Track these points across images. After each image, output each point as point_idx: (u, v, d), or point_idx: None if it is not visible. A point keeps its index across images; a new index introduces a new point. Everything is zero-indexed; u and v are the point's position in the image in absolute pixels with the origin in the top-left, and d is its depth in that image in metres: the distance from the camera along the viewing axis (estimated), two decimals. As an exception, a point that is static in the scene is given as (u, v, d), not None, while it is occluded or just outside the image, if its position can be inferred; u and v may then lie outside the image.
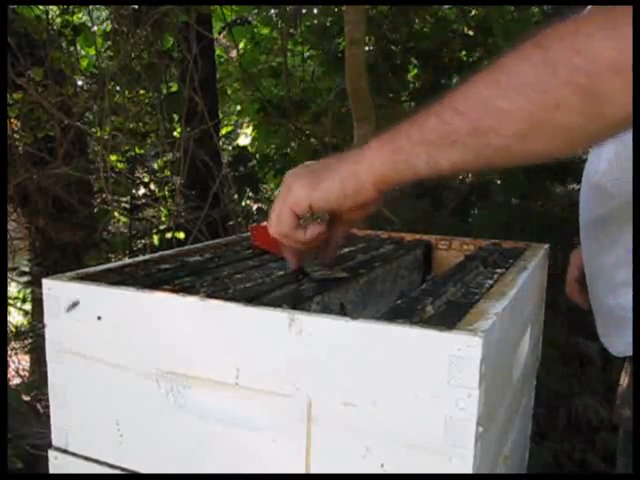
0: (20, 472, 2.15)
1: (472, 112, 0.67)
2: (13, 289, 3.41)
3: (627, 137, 0.92)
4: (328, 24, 3.79)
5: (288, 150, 4.31)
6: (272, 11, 4.18)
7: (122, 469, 0.92)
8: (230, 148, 4.61)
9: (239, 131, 5.93)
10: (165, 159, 3.62)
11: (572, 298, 1.49)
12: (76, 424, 0.95)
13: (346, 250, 1.33)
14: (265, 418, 0.80)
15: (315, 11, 4.00)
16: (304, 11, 3.89)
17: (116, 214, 3.31)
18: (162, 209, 3.63)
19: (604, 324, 1.25)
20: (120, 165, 3.64)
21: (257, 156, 4.40)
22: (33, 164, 2.78)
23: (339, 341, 0.75)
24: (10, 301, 3.26)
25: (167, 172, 3.60)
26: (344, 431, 0.76)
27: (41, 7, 3.06)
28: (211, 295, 0.88)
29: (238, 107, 4.88)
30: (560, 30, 0.62)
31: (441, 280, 1.06)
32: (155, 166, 3.86)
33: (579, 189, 1.35)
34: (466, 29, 3.75)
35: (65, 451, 0.96)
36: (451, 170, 0.74)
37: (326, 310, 0.96)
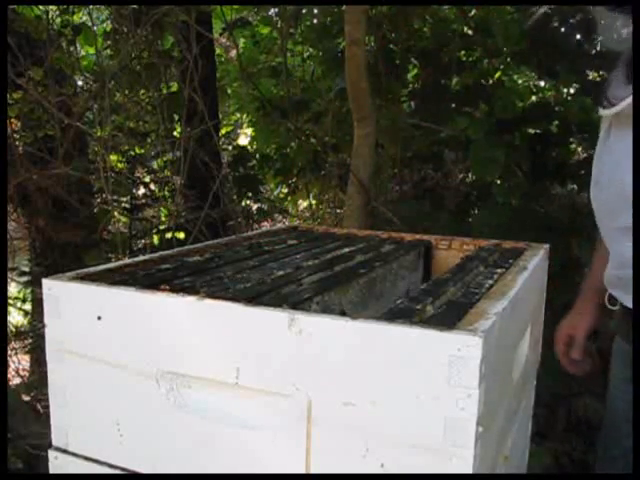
0: (20, 472, 2.15)
1: None
2: (13, 289, 3.41)
3: None
4: (328, 23, 3.79)
5: (288, 150, 4.31)
6: (272, 11, 4.18)
7: (122, 469, 0.92)
8: (230, 148, 4.61)
9: (239, 131, 5.93)
10: (165, 159, 3.61)
11: (563, 365, 1.52)
12: (76, 424, 0.95)
13: (346, 250, 1.33)
14: (265, 418, 0.80)
15: (315, 11, 4.00)
16: (304, 11, 3.89)
17: (116, 214, 3.31)
18: (162, 209, 3.62)
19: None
20: (120, 165, 3.64)
21: (257, 156, 4.40)
22: (33, 164, 2.78)
23: (339, 341, 0.75)
24: (10, 301, 3.25)
25: (167, 172, 3.60)
26: (344, 431, 0.76)
27: (41, 7, 3.06)
28: (211, 295, 0.88)
29: (240, 102, 4.88)
30: None
31: (441, 280, 1.06)
32: (155, 166, 3.85)
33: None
34: (466, 29, 3.75)
35: (65, 451, 0.96)
36: None
37: (326, 310, 0.97)
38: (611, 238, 1.26)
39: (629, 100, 1.11)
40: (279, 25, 4.00)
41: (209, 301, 0.84)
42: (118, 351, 0.90)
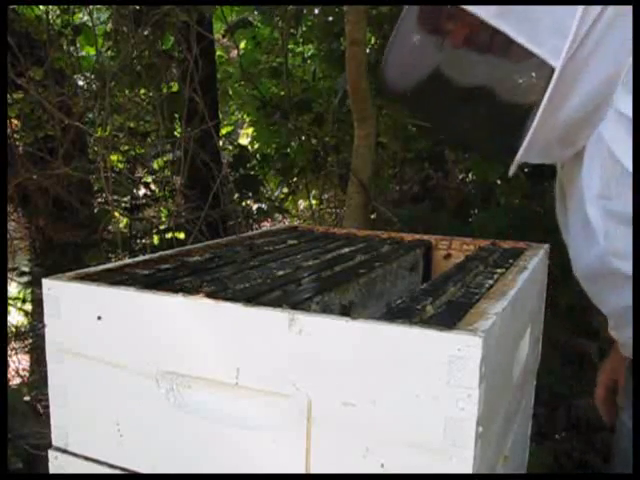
0: (20, 472, 2.15)
1: None
2: (13, 289, 3.41)
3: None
4: (330, 20, 3.79)
5: (288, 150, 4.31)
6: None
7: (122, 469, 0.92)
8: (230, 147, 4.60)
9: (239, 131, 5.92)
10: (165, 159, 3.61)
11: (601, 414, 1.46)
12: (76, 424, 0.95)
13: (346, 250, 1.33)
14: (265, 418, 0.80)
15: (316, 11, 4.00)
16: (305, 11, 3.89)
17: (116, 214, 3.30)
18: (162, 209, 3.62)
19: (616, 323, 1.24)
20: (120, 165, 3.64)
21: (257, 156, 4.40)
22: (33, 164, 2.77)
23: (339, 341, 0.75)
24: (10, 301, 3.25)
25: (167, 172, 3.60)
26: (344, 431, 0.76)
27: (41, 7, 3.06)
28: (211, 295, 0.88)
29: (239, 101, 4.88)
30: None
31: (441, 280, 1.06)
32: (155, 166, 3.86)
33: None
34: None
35: (65, 451, 0.96)
36: None
37: (326, 310, 0.96)
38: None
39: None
40: (280, 25, 4.00)
41: (209, 301, 0.84)
42: (118, 351, 0.90)
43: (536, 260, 1.20)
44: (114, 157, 3.46)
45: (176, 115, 3.50)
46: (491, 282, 1.02)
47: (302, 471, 0.79)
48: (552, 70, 0.88)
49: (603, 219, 0.99)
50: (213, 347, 0.83)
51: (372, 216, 3.03)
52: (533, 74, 0.93)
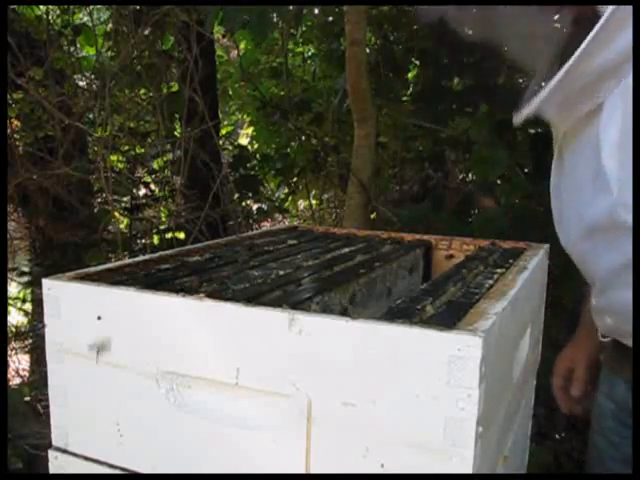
0: (20, 472, 2.15)
1: None
2: (13, 289, 3.41)
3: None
4: (330, 20, 3.80)
5: (288, 150, 4.31)
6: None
7: (122, 469, 0.92)
8: (230, 147, 4.60)
9: (240, 131, 5.92)
10: (165, 159, 3.62)
11: (559, 402, 1.48)
12: (76, 424, 0.95)
13: (346, 250, 1.33)
14: (265, 418, 0.80)
15: (316, 11, 4.00)
16: (305, 11, 3.89)
17: (116, 214, 3.30)
18: (162, 209, 3.62)
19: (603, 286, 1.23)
20: (120, 165, 3.64)
21: (257, 156, 4.41)
22: (33, 164, 2.77)
23: (339, 341, 0.75)
24: (10, 301, 3.26)
25: (167, 172, 3.60)
26: (344, 431, 0.76)
27: (41, 7, 3.06)
28: (211, 295, 0.88)
29: (239, 102, 4.88)
30: None
31: (441, 280, 1.06)
32: (155, 166, 3.86)
33: None
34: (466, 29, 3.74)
35: (65, 451, 0.96)
36: None
37: (326, 310, 0.96)
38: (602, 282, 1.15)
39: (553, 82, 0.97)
40: (280, 25, 4.00)
41: (209, 301, 0.84)
42: (118, 351, 0.90)
43: (536, 260, 1.20)
44: (114, 157, 3.46)
45: (176, 115, 3.50)
46: (491, 282, 1.02)
47: (302, 471, 0.79)
48: (599, 16, 0.90)
49: (618, 170, 1.00)
50: (213, 347, 0.83)
51: (372, 216, 3.04)
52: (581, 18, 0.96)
